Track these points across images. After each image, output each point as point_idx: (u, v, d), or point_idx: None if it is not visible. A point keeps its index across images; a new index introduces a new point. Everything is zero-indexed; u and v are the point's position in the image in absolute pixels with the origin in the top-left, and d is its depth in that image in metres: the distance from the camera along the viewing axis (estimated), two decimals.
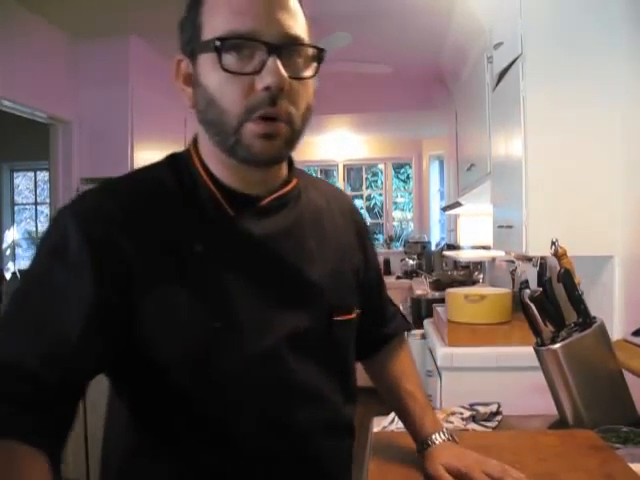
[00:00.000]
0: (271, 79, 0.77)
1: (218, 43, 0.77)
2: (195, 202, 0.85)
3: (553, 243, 1.49)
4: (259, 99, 0.78)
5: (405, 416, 1.13)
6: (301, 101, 0.83)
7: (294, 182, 0.93)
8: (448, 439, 1.07)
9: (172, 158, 0.93)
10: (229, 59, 0.78)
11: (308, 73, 0.84)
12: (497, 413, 1.57)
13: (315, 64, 0.85)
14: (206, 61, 0.80)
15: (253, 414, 0.84)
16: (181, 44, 0.85)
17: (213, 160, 0.88)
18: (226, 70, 0.78)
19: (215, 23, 0.79)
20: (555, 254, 1.48)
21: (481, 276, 4.26)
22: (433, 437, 1.07)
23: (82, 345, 0.74)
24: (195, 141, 0.92)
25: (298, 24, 0.82)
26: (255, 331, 0.83)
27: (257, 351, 0.83)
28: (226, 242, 0.84)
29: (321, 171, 6.99)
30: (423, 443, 1.08)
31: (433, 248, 5.93)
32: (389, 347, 1.16)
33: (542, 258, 2.53)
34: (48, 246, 0.78)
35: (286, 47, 0.79)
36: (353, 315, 0.98)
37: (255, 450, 0.84)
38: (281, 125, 0.80)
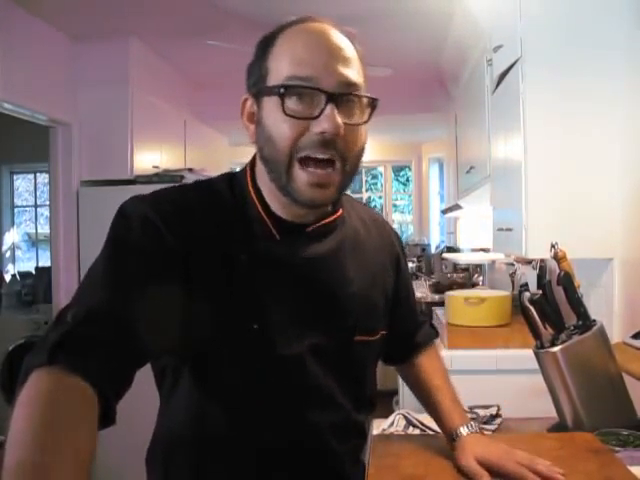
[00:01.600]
0: (327, 125, 0.84)
1: (282, 90, 0.85)
2: (247, 220, 0.94)
3: (553, 246, 1.49)
4: (311, 140, 0.86)
5: (434, 409, 1.19)
6: (354, 146, 0.91)
7: (340, 212, 1.01)
8: (476, 431, 1.12)
9: (230, 177, 1.01)
10: (290, 103, 0.86)
11: (362, 119, 0.94)
12: (497, 416, 1.57)
13: (369, 110, 0.96)
14: (269, 103, 0.88)
15: (272, 407, 0.94)
16: (248, 85, 0.95)
17: (267, 190, 0.95)
18: (287, 114, 0.85)
19: (280, 70, 0.88)
20: (555, 257, 1.48)
21: (481, 279, 4.26)
22: (462, 429, 1.12)
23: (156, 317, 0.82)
24: (252, 167, 0.99)
25: (356, 72, 0.93)
26: (284, 338, 0.93)
27: (284, 354, 0.93)
28: (269, 260, 0.93)
29: None
30: (452, 435, 1.13)
31: (433, 251, 5.93)
32: (420, 353, 1.25)
33: (542, 261, 2.53)
34: (126, 233, 0.89)
35: (343, 96, 0.88)
36: (376, 337, 1.06)
37: (271, 441, 0.94)
38: (333, 174, 0.88)
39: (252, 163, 0.99)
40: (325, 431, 0.99)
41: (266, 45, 0.93)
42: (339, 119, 0.85)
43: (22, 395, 0.70)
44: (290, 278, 0.94)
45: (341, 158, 0.88)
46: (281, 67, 0.88)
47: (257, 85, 0.91)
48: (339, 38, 0.95)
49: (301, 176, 0.87)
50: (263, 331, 0.91)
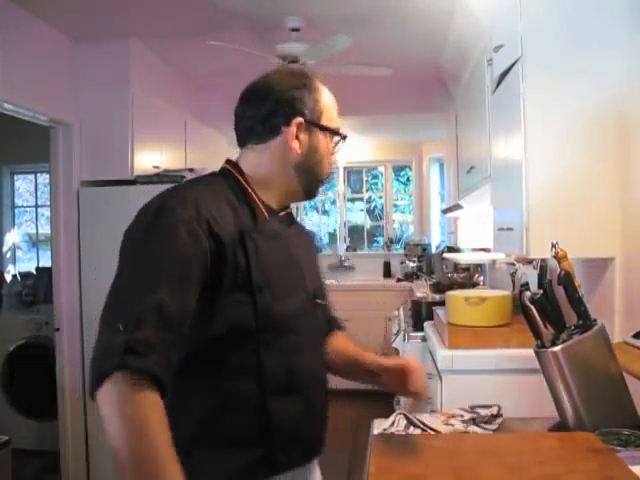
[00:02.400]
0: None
1: (338, 138, 1.33)
2: (246, 206, 1.22)
3: (553, 245, 1.49)
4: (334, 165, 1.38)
5: (353, 366, 1.47)
6: None
7: (290, 208, 1.37)
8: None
9: (222, 176, 1.31)
10: (336, 142, 1.33)
11: None
12: (498, 416, 1.57)
13: None
14: (323, 137, 1.29)
15: (290, 349, 1.20)
16: (298, 111, 1.25)
17: (259, 185, 1.27)
18: (335, 153, 1.35)
19: (331, 119, 1.31)
20: (555, 256, 1.48)
21: (481, 278, 4.26)
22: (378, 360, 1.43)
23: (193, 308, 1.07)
24: (238, 170, 1.30)
25: None
26: (288, 299, 1.20)
27: (286, 311, 1.19)
28: (269, 234, 1.21)
29: None
30: (372, 367, 1.42)
31: (433, 250, 5.93)
32: (339, 330, 1.53)
33: (542, 260, 2.53)
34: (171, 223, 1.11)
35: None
36: (326, 303, 1.40)
37: (295, 371, 1.20)
38: None
39: (237, 169, 1.30)
40: (322, 366, 1.32)
41: (312, 87, 1.29)
42: None
43: (112, 397, 0.97)
44: (282, 247, 1.24)
45: None
46: (332, 117, 1.31)
47: (314, 120, 1.27)
48: None
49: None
50: (276, 299, 1.16)
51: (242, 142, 1.34)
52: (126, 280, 1.07)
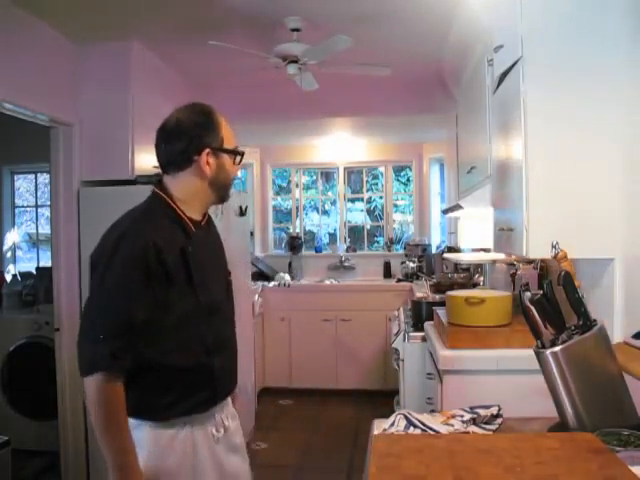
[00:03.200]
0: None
1: (240, 154, 1.73)
2: (177, 224, 1.64)
3: (553, 246, 1.49)
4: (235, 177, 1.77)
5: None
6: None
7: (207, 213, 1.80)
8: None
9: (156, 200, 1.70)
10: (237, 159, 1.72)
11: None
12: (497, 416, 1.57)
13: None
14: (227, 158, 1.68)
15: (215, 325, 1.70)
16: (205, 143, 1.64)
17: (185, 203, 1.68)
18: (238, 164, 1.74)
19: (229, 141, 1.69)
20: (555, 257, 1.48)
21: (481, 279, 4.26)
22: None
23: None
24: (166, 192, 1.68)
25: None
26: (214, 289, 1.72)
27: (215, 299, 1.71)
28: (199, 244, 1.66)
29: (322, 174, 6.99)
30: None
31: (433, 251, 5.92)
32: None
33: (542, 261, 2.54)
34: (122, 256, 1.55)
35: None
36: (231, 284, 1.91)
37: (216, 340, 1.69)
38: None
39: (164, 192, 1.68)
40: (234, 340, 1.82)
41: (214, 121, 1.67)
42: None
43: (98, 391, 1.47)
44: (208, 249, 1.75)
45: None
46: (230, 140, 1.69)
47: (218, 146, 1.66)
48: None
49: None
50: (208, 291, 1.66)
51: (164, 170, 1.72)
52: (100, 299, 1.54)
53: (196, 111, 1.69)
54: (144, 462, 1.52)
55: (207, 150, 1.62)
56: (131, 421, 1.54)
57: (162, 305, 1.54)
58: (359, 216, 7.00)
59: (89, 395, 1.47)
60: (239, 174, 2.13)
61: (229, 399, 1.80)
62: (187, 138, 1.63)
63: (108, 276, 1.51)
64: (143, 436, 1.56)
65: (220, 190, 1.70)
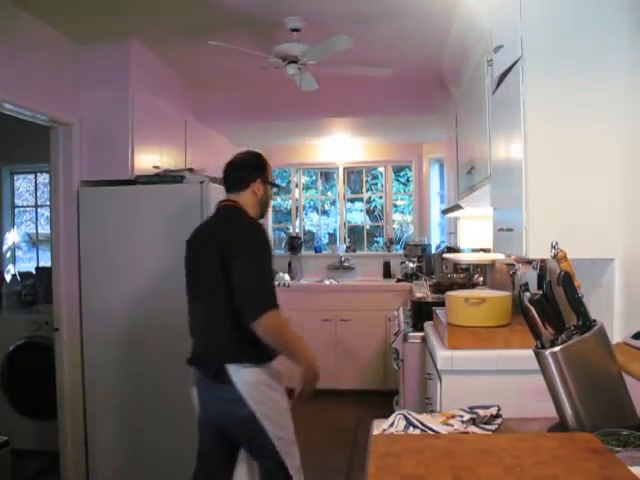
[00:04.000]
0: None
1: (276, 188, 3.10)
2: None
3: (553, 246, 1.49)
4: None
5: None
6: None
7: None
8: None
9: (235, 208, 2.45)
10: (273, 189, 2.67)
11: None
12: (497, 416, 1.57)
13: None
14: (268, 186, 2.55)
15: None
16: (256, 176, 2.51)
17: (250, 212, 2.45)
18: (274, 194, 2.82)
19: (271, 176, 2.60)
20: (555, 257, 1.48)
21: (481, 279, 4.26)
22: None
23: None
24: (241, 205, 2.45)
25: None
26: None
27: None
28: None
29: (321, 174, 6.99)
30: None
31: (433, 251, 5.92)
32: None
33: (542, 261, 2.53)
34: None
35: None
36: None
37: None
38: None
39: (240, 205, 2.45)
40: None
41: (264, 162, 2.59)
42: None
43: (278, 320, 2.23)
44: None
45: None
46: (270, 176, 2.58)
47: (264, 179, 2.52)
48: None
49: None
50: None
51: (229, 189, 2.52)
52: (265, 264, 2.30)
53: (252, 155, 2.63)
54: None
55: (258, 180, 2.50)
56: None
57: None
58: (359, 216, 7.00)
59: (275, 323, 2.21)
60: (273, 200, 3.01)
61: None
62: (247, 170, 2.52)
63: (265, 248, 2.31)
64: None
65: (262, 207, 2.54)
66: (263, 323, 2.16)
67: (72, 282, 3.55)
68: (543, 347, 1.43)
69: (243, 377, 2.25)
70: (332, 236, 6.94)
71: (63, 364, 3.54)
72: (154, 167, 3.75)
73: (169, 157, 4.01)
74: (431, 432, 1.46)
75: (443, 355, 2.27)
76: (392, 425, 1.51)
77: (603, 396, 1.39)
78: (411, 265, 5.86)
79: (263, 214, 2.55)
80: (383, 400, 3.77)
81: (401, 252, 6.31)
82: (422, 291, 4.37)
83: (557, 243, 1.49)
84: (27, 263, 5.91)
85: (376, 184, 7.06)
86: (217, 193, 3.53)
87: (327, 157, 6.56)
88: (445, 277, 4.45)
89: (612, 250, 1.81)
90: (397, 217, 6.99)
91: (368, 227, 6.94)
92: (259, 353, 2.27)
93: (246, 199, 2.46)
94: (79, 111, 3.60)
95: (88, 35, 3.53)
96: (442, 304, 2.71)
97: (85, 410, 3.57)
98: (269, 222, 6.79)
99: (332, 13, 3.35)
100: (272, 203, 6.88)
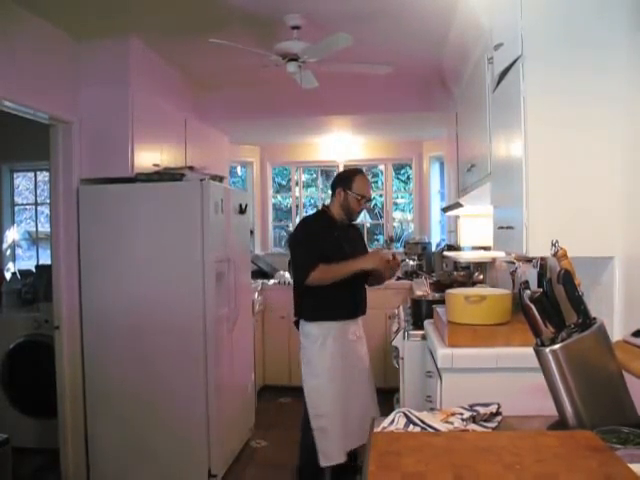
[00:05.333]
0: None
1: (361, 197, 3.29)
2: (332, 223, 3.30)
3: (553, 244, 1.49)
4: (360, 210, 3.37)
5: None
6: None
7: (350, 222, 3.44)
8: None
9: (324, 211, 3.37)
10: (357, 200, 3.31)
11: None
12: (497, 414, 1.57)
13: None
14: (353, 196, 3.24)
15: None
16: (342, 186, 3.28)
17: (335, 215, 3.32)
18: (360, 204, 3.32)
19: (358, 189, 3.26)
20: (555, 255, 1.48)
21: (481, 277, 4.26)
22: None
23: None
24: (328, 208, 3.36)
25: None
26: (347, 259, 3.19)
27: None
28: (338, 235, 3.27)
29: (322, 172, 6.99)
30: None
31: (433, 249, 5.92)
32: None
33: (542, 259, 2.53)
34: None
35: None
36: None
37: None
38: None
39: (327, 208, 3.37)
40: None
41: (351, 177, 3.28)
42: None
43: (321, 270, 3.09)
44: (342, 239, 3.27)
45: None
46: (358, 189, 3.26)
47: (347, 189, 3.25)
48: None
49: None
50: (344, 257, 3.17)
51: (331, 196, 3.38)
52: (303, 254, 3.16)
53: (347, 170, 3.52)
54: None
55: (340, 189, 3.26)
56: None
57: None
58: None
59: (320, 279, 3.08)
60: (361, 210, 3.40)
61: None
62: (335, 182, 3.36)
63: (301, 239, 3.30)
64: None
65: (346, 213, 3.28)
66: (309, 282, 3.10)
67: (72, 280, 3.55)
68: (543, 345, 1.43)
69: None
70: None
71: (63, 362, 3.54)
72: (154, 165, 3.75)
73: (169, 155, 4.01)
74: (431, 430, 1.46)
75: (443, 353, 2.27)
76: (392, 423, 1.51)
77: (603, 394, 1.39)
78: (411, 263, 5.86)
79: (350, 218, 3.33)
80: (383, 398, 3.77)
81: (401, 250, 6.31)
82: (422, 289, 4.38)
83: (557, 241, 1.49)
84: (27, 261, 5.91)
85: (376, 182, 7.06)
86: (217, 191, 3.54)
87: (327, 155, 6.56)
88: (445, 275, 4.45)
89: (612, 248, 1.81)
90: (397, 215, 6.99)
91: (368, 225, 6.93)
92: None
93: (334, 204, 3.31)
94: (79, 109, 3.60)
95: (88, 33, 3.53)
96: (442, 302, 2.71)
97: (85, 408, 3.57)
98: (269, 220, 6.78)
99: (332, 11, 3.34)
100: (273, 202, 6.95)
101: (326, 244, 3.15)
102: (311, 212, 7.25)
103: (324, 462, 3.08)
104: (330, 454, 3.08)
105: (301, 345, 3.22)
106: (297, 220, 6.82)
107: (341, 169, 6.69)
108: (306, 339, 3.18)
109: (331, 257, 3.10)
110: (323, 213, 3.34)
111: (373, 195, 7.39)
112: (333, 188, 3.31)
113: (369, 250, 3.52)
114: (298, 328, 3.25)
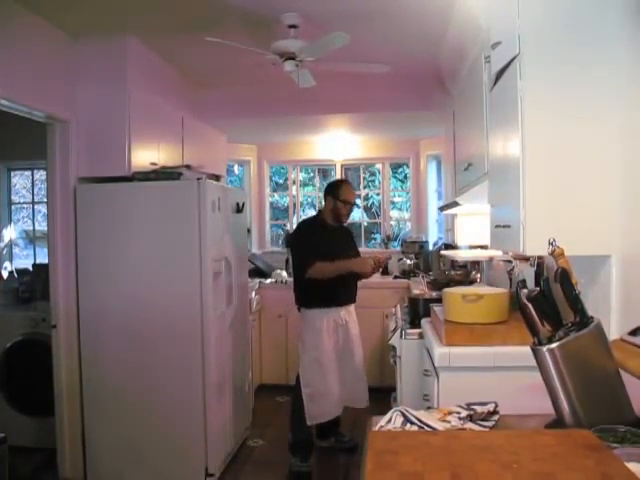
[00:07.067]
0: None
1: (347, 203, 3.92)
2: (324, 225, 3.90)
3: (550, 243, 1.49)
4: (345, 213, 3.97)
5: None
6: None
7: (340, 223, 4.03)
8: None
9: (318, 216, 4.01)
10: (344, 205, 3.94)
11: None
12: (494, 413, 1.57)
13: None
14: (340, 202, 3.87)
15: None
16: (332, 195, 3.88)
17: (327, 219, 3.91)
18: (347, 208, 3.95)
19: (344, 195, 3.87)
20: (552, 254, 1.48)
21: (479, 276, 4.27)
22: None
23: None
24: (321, 213, 3.98)
25: None
26: (339, 256, 3.74)
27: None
28: (330, 235, 3.86)
29: (319, 170, 6.99)
30: None
31: (431, 248, 5.93)
32: None
33: (540, 258, 2.54)
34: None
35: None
36: None
37: None
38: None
39: (320, 212, 4.01)
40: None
41: (338, 186, 3.92)
42: None
43: (319, 266, 3.63)
44: (334, 239, 3.85)
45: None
46: (345, 196, 3.86)
47: (335, 196, 3.85)
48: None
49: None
50: (333, 253, 3.70)
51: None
52: (302, 253, 3.75)
53: (335, 180, 4.34)
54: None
55: (330, 197, 3.84)
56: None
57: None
58: (356, 213, 7.00)
59: (319, 273, 3.61)
60: (346, 215, 3.96)
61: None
62: (326, 190, 3.92)
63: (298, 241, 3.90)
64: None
65: (335, 216, 3.85)
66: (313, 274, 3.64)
67: (69, 279, 3.55)
68: (540, 344, 1.43)
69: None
70: None
71: (60, 361, 3.54)
72: (151, 164, 3.74)
73: (166, 154, 4.00)
74: (428, 429, 1.46)
75: (440, 352, 2.27)
76: (389, 422, 1.51)
77: (600, 393, 1.39)
78: (408, 262, 5.86)
79: (338, 220, 3.88)
80: (380, 397, 3.78)
81: (398, 249, 6.32)
82: (419, 288, 4.38)
83: (554, 240, 1.49)
84: (24, 260, 5.90)
85: (373, 181, 7.07)
86: (214, 190, 3.54)
87: (324, 154, 6.56)
88: (442, 274, 4.45)
89: (609, 247, 1.81)
90: (394, 214, 7.00)
91: (365, 224, 6.94)
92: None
93: (325, 209, 3.92)
94: (76, 108, 3.59)
95: (85, 31, 3.52)
96: (439, 301, 2.71)
97: (82, 407, 3.57)
98: (266, 219, 6.78)
99: (330, 10, 3.34)
100: (270, 200, 6.98)
101: (321, 243, 3.71)
102: (308, 211, 7.39)
103: (309, 421, 3.69)
104: (314, 415, 3.70)
105: (300, 327, 3.88)
106: (294, 219, 6.84)
107: (338, 168, 6.71)
108: (304, 322, 3.81)
109: (325, 254, 3.63)
110: (317, 217, 3.98)
111: (370, 194, 7.61)
112: (325, 196, 3.92)
113: (358, 249, 4.14)
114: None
